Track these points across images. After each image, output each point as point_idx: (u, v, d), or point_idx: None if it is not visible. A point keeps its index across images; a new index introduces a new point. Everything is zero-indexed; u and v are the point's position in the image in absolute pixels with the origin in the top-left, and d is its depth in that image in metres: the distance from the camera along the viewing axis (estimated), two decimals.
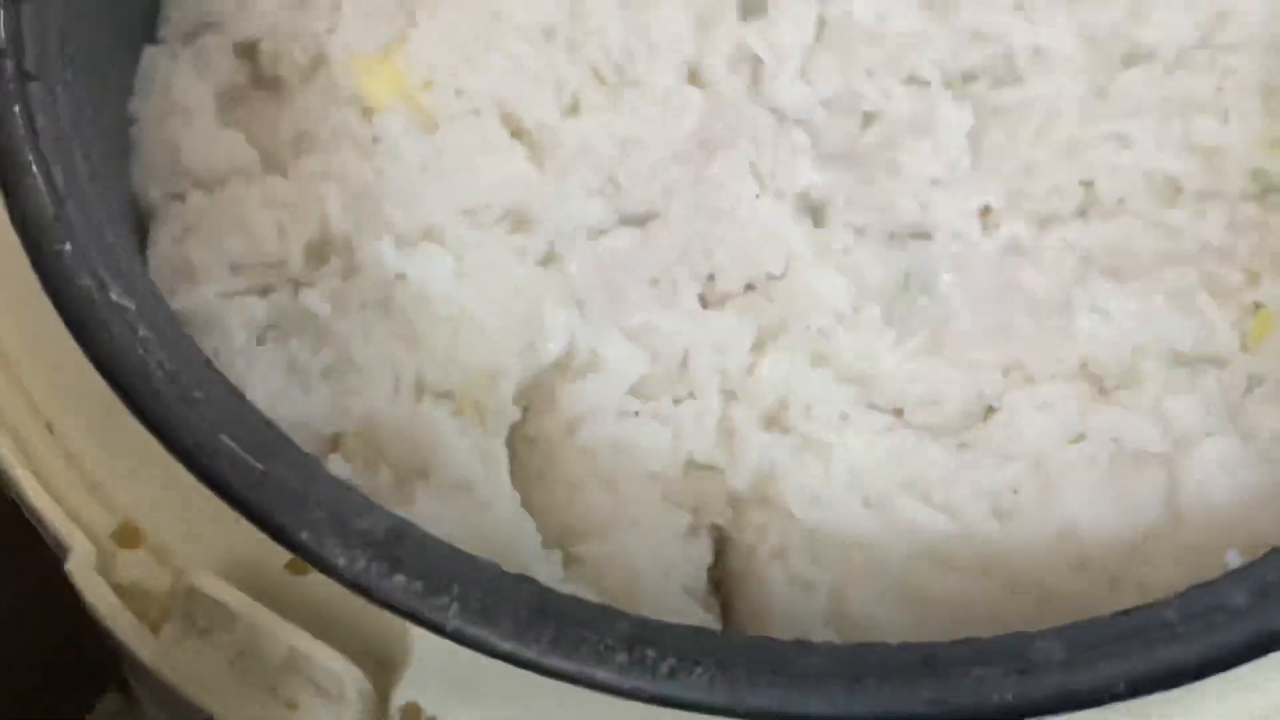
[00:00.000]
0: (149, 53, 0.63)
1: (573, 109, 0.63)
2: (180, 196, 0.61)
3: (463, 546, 0.55)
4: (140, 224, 0.61)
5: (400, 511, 0.55)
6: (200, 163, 0.61)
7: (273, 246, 0.60)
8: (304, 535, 0.47)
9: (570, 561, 0.57)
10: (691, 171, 0.62)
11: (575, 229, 0.61)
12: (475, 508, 0.57)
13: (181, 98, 0.62)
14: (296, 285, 0.60)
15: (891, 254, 0.62)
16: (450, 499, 0.57)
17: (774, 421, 0.59)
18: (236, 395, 0.50)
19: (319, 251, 0.61)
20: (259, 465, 0.47)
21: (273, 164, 0.62)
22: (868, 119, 0.63)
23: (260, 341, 0.59)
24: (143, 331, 0.49)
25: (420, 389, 0.59)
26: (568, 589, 0.55)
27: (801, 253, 0.61)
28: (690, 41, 0.63)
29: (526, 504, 0.58)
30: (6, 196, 0.51)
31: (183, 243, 0.60)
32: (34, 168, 0.51)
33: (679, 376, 0.59)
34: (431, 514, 0.56)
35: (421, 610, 0.46)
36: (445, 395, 0.59)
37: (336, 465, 0.57)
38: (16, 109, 0.51)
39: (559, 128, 0.62)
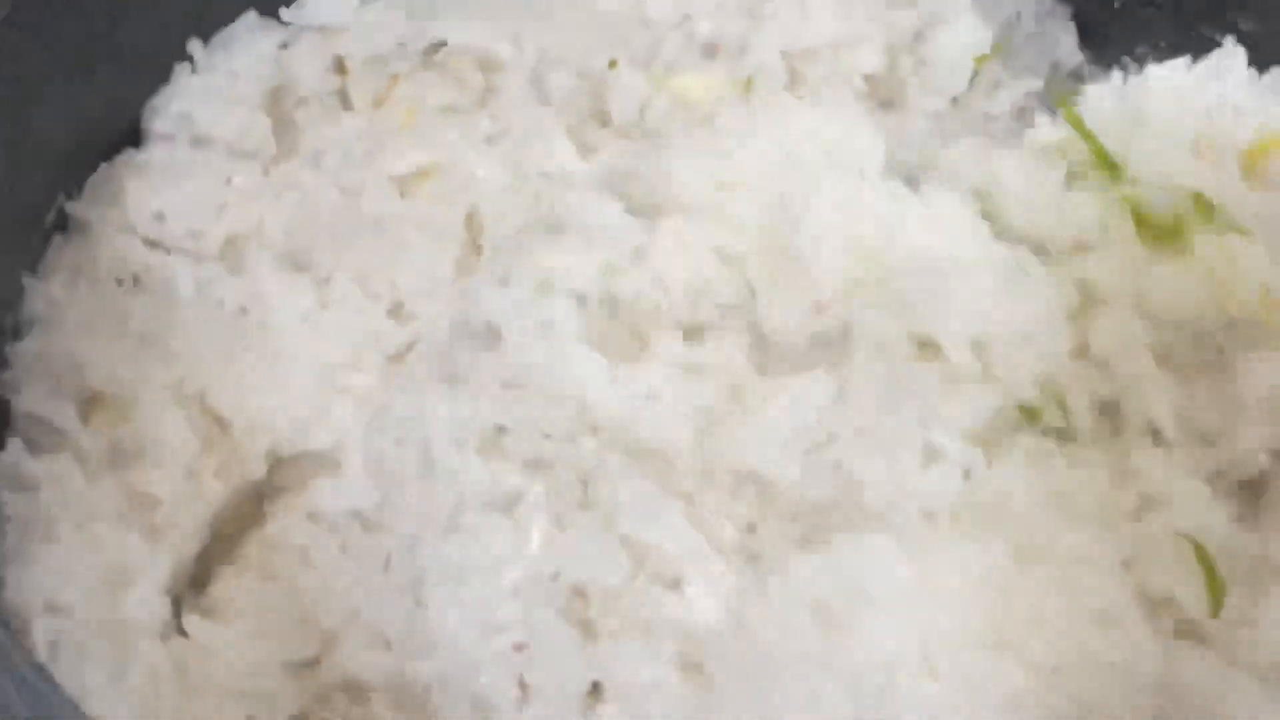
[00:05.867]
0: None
1: None
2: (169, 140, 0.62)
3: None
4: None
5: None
6: (210, 119, 0.62)
7: (207, 215, 0.60)
8: None
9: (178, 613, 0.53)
10: None
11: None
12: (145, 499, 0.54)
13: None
14: (198, 258, 0.59)
15: None
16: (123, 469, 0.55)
17: None
18: None
19: (237, 243, 0.60)
20: None
21: (272, 152, 0.62)
22: None
23: (122, 283, 0.59)
24: None
25: (201, 399, 0.56)
26: None
27: None
28: None
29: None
30: None
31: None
32: None
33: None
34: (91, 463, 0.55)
35: None
36: (219, 421, 0.55)
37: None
38: None
39: None
